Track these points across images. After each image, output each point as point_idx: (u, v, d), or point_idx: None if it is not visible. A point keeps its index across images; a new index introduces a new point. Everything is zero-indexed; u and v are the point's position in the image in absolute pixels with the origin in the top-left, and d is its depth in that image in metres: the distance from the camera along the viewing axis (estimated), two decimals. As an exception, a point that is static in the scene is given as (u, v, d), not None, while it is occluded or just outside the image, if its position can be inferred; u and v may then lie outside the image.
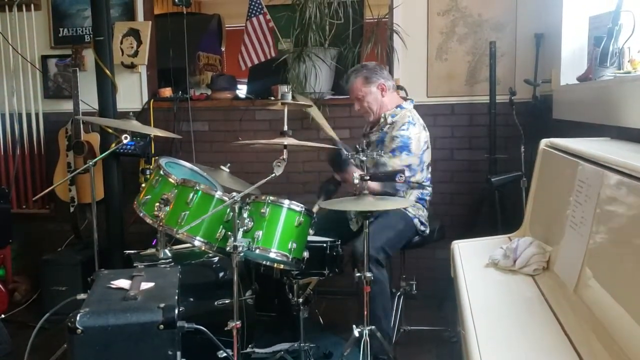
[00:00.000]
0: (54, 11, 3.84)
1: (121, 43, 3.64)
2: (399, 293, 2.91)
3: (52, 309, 1.95)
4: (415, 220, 2.75)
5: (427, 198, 2.84)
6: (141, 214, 2.46)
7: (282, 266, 2.35)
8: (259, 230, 2.24)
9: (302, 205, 2.33)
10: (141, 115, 3.71)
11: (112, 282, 1.87)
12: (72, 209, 3.65)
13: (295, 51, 3.50)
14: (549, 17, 3.20)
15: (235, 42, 4.59)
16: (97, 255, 2.79)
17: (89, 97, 3.49)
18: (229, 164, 2.73)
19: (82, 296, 1.83)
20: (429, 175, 2.83)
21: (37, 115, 3.89)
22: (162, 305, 1.69)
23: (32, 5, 3.81)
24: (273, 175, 2.15)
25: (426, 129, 2.81)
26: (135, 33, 3.65)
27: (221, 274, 2.62)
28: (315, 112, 2.94)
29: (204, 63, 4.86)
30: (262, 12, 3.83)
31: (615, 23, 2.29)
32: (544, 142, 2.29)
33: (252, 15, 3.84)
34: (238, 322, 2.09)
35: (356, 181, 2.25)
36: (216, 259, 2.65)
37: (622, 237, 1.37)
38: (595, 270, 1.47)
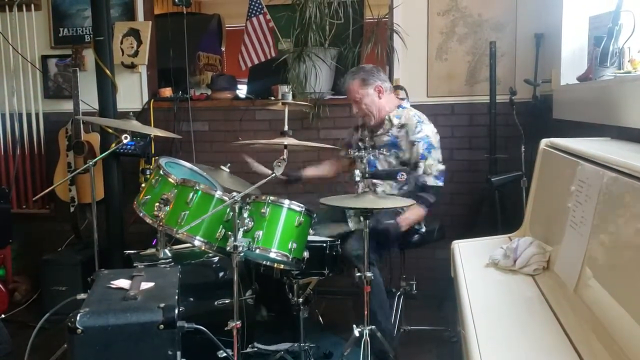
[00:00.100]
0: (54, 11, 3.84)
1: (121, 43, 3.65)
2: (399, 293, 2.91)
3: (52, 309, 1.95)
4: None
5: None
6: (141, 214, 2.46)
7: (282, 266, 2.35)
8: (259, 230, 2.24)
9: (302, 205, 2.33)
10: (141, 115, 3.71)
11: (112, 282, 1.87)
12: (72, 209, 3.65)
13: (295, 51, 3.50)
14: (549, 17, 3.20)
15: (235, 42, 4.59)
16: (97, 255, 2.79)
17: (89, 97, 3.49)
18: (229, 164, 2.74)
19: (82, 296, 1.83)
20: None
21: (37, 115, 3.89)
22: (162, 305, 1.69)
23: (32, 5, 3.81)
24: (273, 175, 2.16)
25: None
26: (135, 33, 3.65)
27: (221, 274, 2.62)
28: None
29: (204, 63, 4.86)
30: (262, 12, 3.83)
31: (615, 23, 2.28)
32: (544, 142, 2.29)
33: (252, 15, 3.85)
34: (238, 322, 2.09)
35: (357, 179, 2.24)
36: (216, 259, 2.65)
37: (622, 237, 1.37)
38: (595, 270, 1.46)
